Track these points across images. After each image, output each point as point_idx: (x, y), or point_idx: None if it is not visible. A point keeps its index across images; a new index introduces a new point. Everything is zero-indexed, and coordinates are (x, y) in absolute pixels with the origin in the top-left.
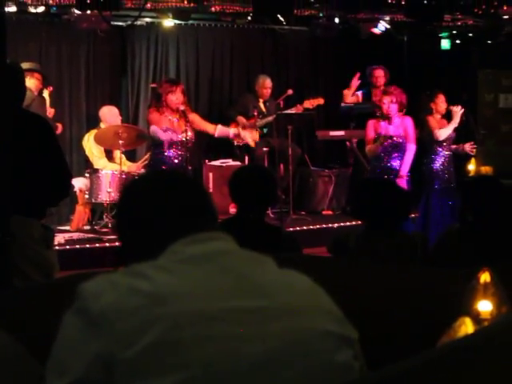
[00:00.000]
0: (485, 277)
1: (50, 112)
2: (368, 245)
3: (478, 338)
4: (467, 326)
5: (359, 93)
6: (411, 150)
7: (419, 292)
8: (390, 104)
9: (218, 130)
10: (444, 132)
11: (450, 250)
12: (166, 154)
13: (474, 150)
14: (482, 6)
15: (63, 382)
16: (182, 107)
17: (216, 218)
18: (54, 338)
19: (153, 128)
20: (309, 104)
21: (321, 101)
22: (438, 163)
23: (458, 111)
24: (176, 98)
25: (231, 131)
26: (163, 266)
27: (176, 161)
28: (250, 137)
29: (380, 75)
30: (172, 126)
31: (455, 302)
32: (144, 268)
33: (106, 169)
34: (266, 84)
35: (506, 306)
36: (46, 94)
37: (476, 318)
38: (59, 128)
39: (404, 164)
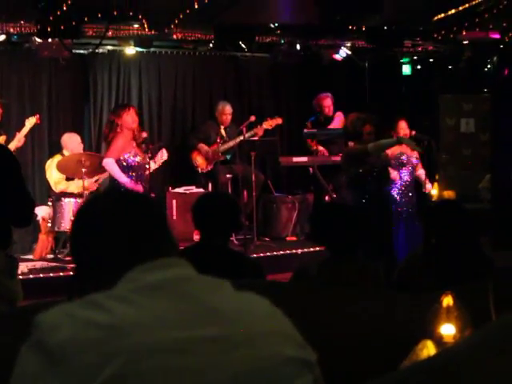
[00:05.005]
0: (448, 300)
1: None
2: (329, 271)
3: (440, 360)
4: (429, 349)
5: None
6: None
7: (381, 316)
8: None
9: None
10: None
11: (414, 274)
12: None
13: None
14: (442, 31)
15: None
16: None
17: (174, 244)
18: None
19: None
20: (268, 125)
21: (279, 120)
22: (396, 189)
23: None
24: (132, 119)
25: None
26: (120, 296)
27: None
28: None
29: (328, 104)
30: (136, 149)
31: (418, 326)
32: (101, 298)
33: (68, 189)
34: (226, 110)
35: (469, 329)
36: (28, 122)
37: (439, 341)
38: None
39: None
